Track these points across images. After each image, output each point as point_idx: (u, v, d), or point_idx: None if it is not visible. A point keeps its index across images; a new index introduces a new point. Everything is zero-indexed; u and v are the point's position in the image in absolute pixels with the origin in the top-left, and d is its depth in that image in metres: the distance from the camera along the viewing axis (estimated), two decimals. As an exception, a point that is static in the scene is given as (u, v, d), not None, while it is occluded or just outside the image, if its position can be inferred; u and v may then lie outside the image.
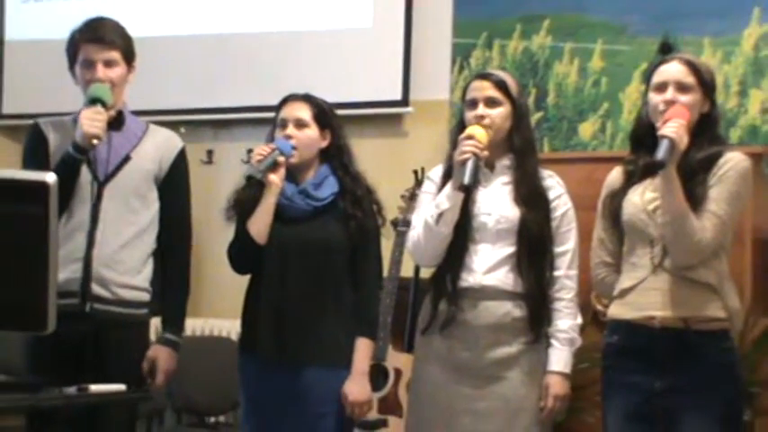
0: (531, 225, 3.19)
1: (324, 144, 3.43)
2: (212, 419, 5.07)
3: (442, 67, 5.47)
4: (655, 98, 3.07)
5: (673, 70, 3.07)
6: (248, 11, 5.82)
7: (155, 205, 3.42)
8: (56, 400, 2.88)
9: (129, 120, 3.44)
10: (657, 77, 3.09)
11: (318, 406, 3.30)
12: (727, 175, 3.01)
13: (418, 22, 5.47)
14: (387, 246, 3.85)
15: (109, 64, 3.34)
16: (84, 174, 3.29)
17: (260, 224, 3.33)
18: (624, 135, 4.83)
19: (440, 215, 3.15)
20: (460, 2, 5.44)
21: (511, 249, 3.19)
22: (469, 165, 3.07)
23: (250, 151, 3.34)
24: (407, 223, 4.10)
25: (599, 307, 3.91)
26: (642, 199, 3.08)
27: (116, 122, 3.37)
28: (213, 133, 5.86)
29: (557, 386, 3.18)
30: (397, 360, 4.29)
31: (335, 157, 3.44)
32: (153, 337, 3.52)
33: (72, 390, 2.87)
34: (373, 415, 4.07)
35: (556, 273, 3.22)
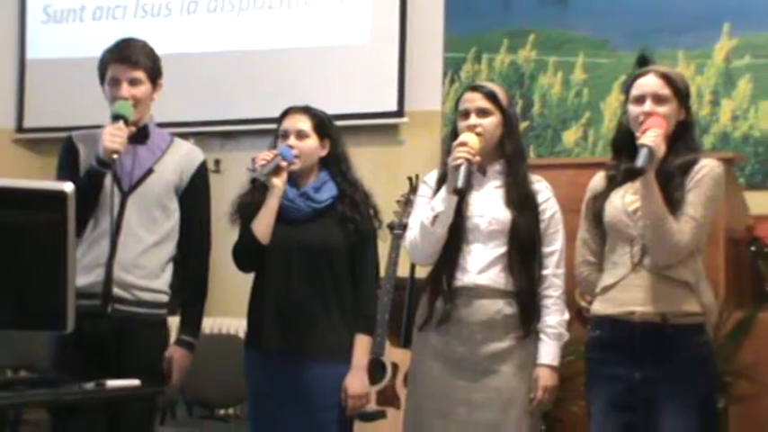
0: (522, 227, 3.18)
1: (323, 153, 3.42)
2: (221, 412, 5.08)
3: (435, 79, 5.48)
4: (634, 110, 3.07)
5: (650, 83, 3.06)
6: (253, 30, 5.85)
7: (175, 215, 3.40)
8: (75, 395, 2.86)
9: (155, 134, 3.42)
10: (636, 90, 3.08)
11: (321, 399, 3.29)
12: (702, 181, 3.01)
13: (412, 38, 5.49)
14: (384, 247, 3.84)
15: (133, 82, 3.32)
16: (110, 185, 3.28)
17: (263, 225, 3.33)
18: (605, 142, 4.84)
19: (435, 217, 3.15)
20: (451, 19, 5.46)
21: (502, 250, 3.19)
22: (463, 170, 3.07)
23: (254, 160, 3.34)
24: (403, 226, 4.10)
25: (582, 303, 3.89)
26: (623, 201, 3.08)
27: (140, 136, 3.35)
28: (220, 143, 5.86)
29: (546, 378, 3.17)
30: (394, 355, 4.28)
31: (334, 164, 3.44)
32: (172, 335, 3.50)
33: (90, 385, 2.86)
34: (372, 407, 4.06)
35: (544, 272, 3.21)
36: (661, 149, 2.94)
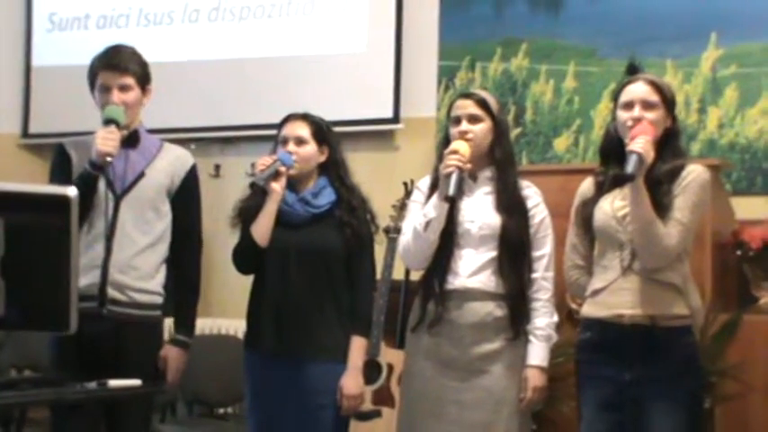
0: (512, 231, 3.18)
1: (322, 159, 3.43)
2: (221, 410, 5.07)
3: (430, 87, 5.49)
4: (623, 115, 3.07)
5: (639, 90, 3.06)
6: (253, 38, 5.85)
7: (168, 217, 3.40)
8: (77, 394, 2.86)
9: (145, 138, 3.42)
10: (625, 96, 3.08)
11: (318, 398, 3.29)
12: (689, 186, 3.01)
13: (407, 46, 5.50)
14: (380, 251, 3.84)
15: (123, 88, 3.32)
16: (103, 188, 3.27)
17: (262, 228, 3.33)
18: (595, 149, 4.80)
19: (427, 223, 3.14)
20: (446, 28, 5.46)
21: (493, 254, 3.18)
22: (454, 177, 3.07)
23: (253, 165, 3.33)
24: (398, 230, 4.09)
25: (573, 306, 3.90)
26: (612, 207, 3.08)
27: (132, 141, 3.36)
28: (220, 149, 5.87)
29: (535, 379, 3.17)
30: (389, 355, 4.28)
31: (332, 170, 3.44)
32: (166, 335, 3.50)
33: (92, 384, 2.85)
34: (368, 406, 4.06)
35: (534, 275, 3.21)
36: (650, 155, 2.94)
